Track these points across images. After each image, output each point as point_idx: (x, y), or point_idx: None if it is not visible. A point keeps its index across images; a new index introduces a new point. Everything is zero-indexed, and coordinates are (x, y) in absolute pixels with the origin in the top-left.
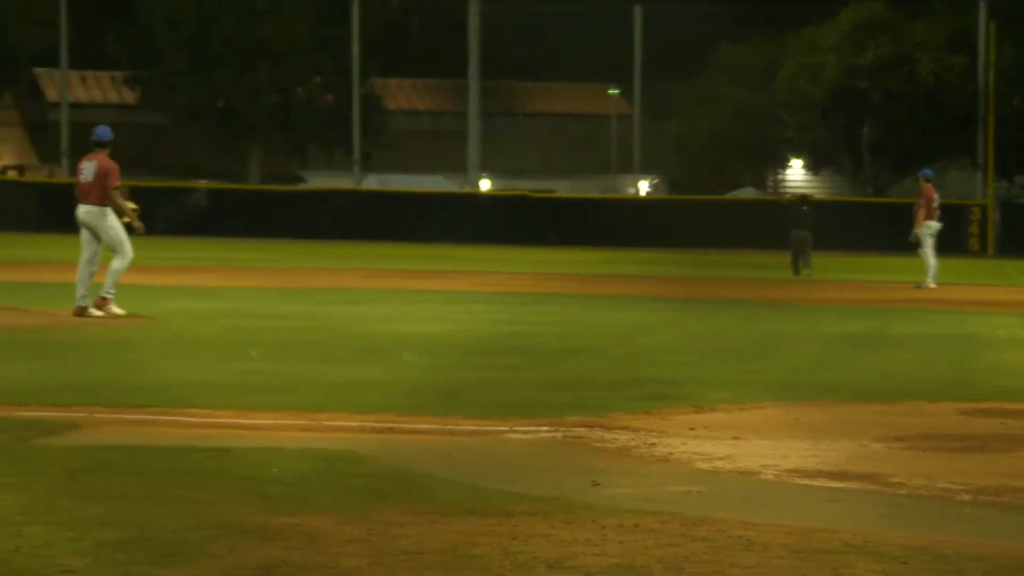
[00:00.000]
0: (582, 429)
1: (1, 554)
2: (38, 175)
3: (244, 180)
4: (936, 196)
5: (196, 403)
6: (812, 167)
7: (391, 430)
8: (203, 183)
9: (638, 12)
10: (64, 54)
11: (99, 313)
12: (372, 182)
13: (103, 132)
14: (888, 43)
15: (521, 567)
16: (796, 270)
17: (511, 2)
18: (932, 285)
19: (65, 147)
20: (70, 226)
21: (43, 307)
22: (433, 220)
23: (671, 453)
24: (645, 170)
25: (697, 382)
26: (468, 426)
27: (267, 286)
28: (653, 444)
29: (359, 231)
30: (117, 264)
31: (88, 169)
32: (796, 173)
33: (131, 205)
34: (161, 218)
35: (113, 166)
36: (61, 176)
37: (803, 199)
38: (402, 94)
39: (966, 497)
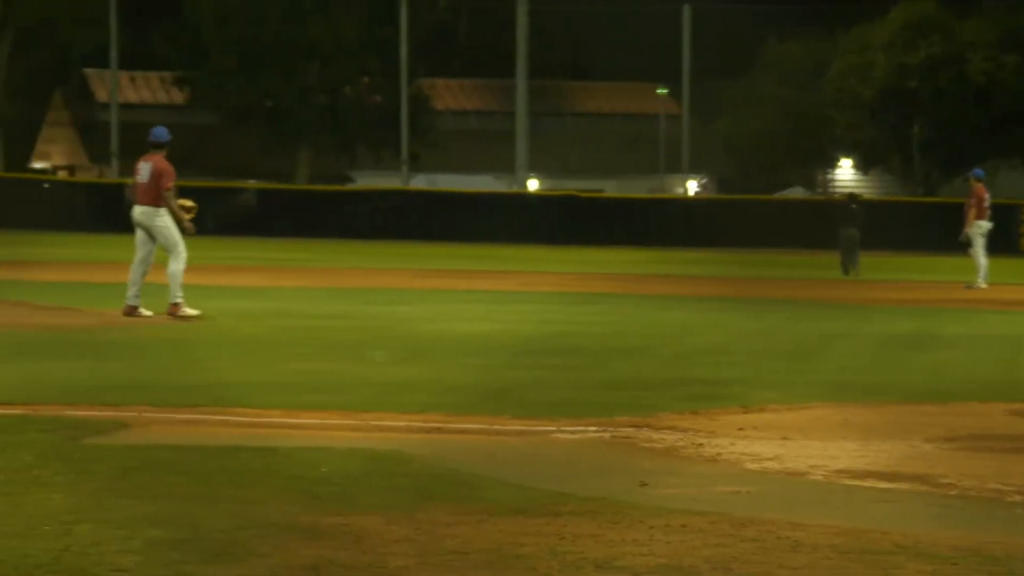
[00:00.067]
0: (630, 429)
1: (51, 553)
2: (88, 175)
3: (292, 180)
4: (987, 196)
5: (244, 403)
6: (862, 167)
7: (438, 430)
8: (252, 183)
9: (687, 11)
10: (114, 55)
11: (148, 313)
12: (420, 182)
13: (160, 133)
14: (939, 42)
15: (568, 567)
16: (845, 270)
17: (559, 2)
18: (983, 285)
19: (115, 147)
20: (120, 226)
21: (93, 307)
22: (481, 220)
23: (719, 453)
24: (694, 170)
25: (745, 382)
26: (515, 426)
27: (315, 286)
28: (701, 444)
29: (407, 231)
30: (174, 267)
31: (144, 170)
32: (846, 173)
33: (188, 203)
34: (210, 218)
35: (168, 167)
36: (111, 176)
37: (851, 198)
38: (450, 94)
39: (1017, 498)
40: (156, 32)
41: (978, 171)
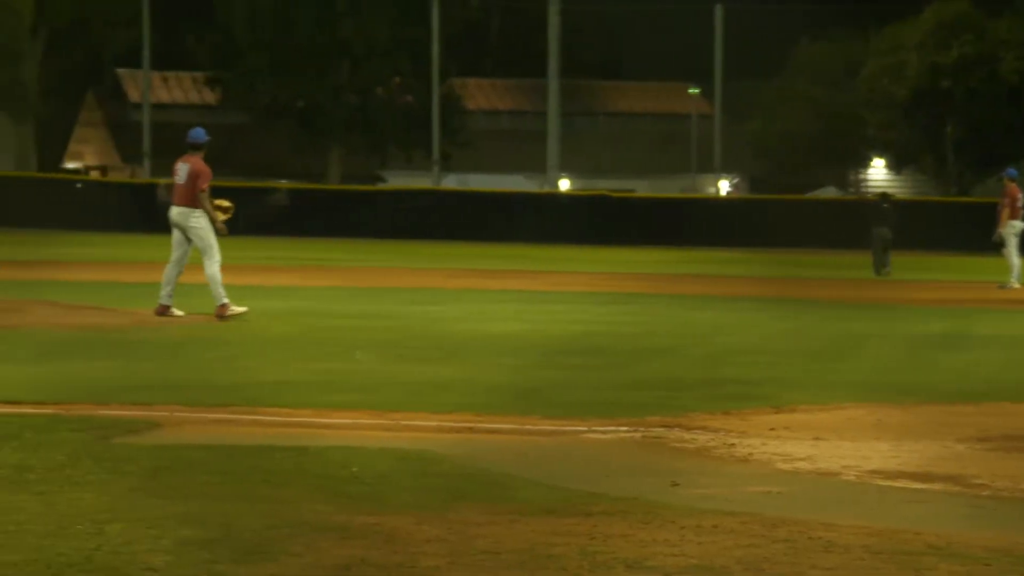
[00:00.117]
0: (661, 429)
1: (83, 552)
2: (120, 175)
3: (324, 180)
4: (1020, 195)
5: (276, 402)
6: (895, 166)
7: (470, 430)
8: (283, 183)
9: (719, 11)
10: (146, 55)
11: (180, 313)
12: (451, 182)
13: (198, 134)
14: (972, 41)
15: (599, 567)
16: (877, 270)
17: (592, 1)
18: (1016, 285)
19: (147, 147)
20: (151, 226)
21: (125, 307)
22: (512, 220)
23: (751, 454)
24: (725, 169)
25: (777, 382)
26: (546, 426)
27: (346, 286)
28: (733, 444)
29: (438, 231)
30: (210, 269)
31: (182, 170)
32: (878, 172)
33: (226, 203)
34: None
35: (204, 169)
36: (143, 176)
37: (883, 197)
38: (481, 94)
39: None
40: (188, 32)
41: (1011, 171)
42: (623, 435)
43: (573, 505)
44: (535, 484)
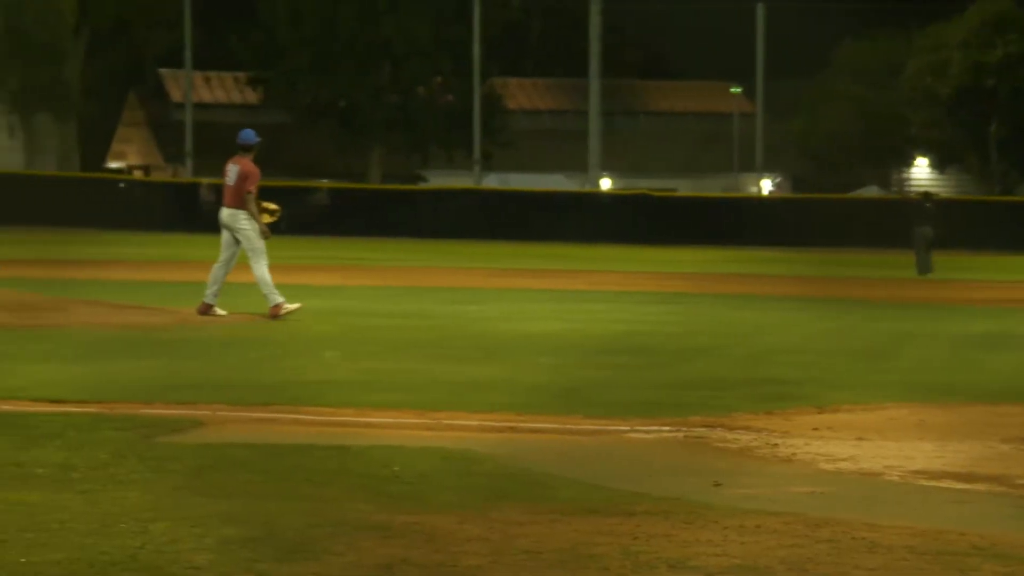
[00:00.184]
0: (703, 429)
1: (127, 550)
2: (163, 175)
3: (365, 179)
4: None
5: (318, 401)
6: (938, 165)
7: (511, 429)
8: (324, 183)
9: (761, 10)
10: (188, 55)
11: (223, 312)
12: (492, 181)
13: (247, 136)
14: (1016, 40)
15: (642, 567)
16: (920, 269)
17: (633, 0)
18: None
19: (189, 147)
20: (193, 225)
21: (168, 305)
22: (553, 219)
23: (794, 454)
24: (768, 169)
25: (820, 382)
26: (588, 425)
27: (387, 285)
28: (775, 444)
29: (479, 230)
30: (258, 271)
31: (231, 172)
32: (922, 171)
33: (272, 206)
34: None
35: (252, 170)
36: (185, 176)
37: (926, 196)
38: (523, 93)
39: None
40: (230, 32)
41: None
42: (665, 435)
43: (615, 505)
44: (577, 484)
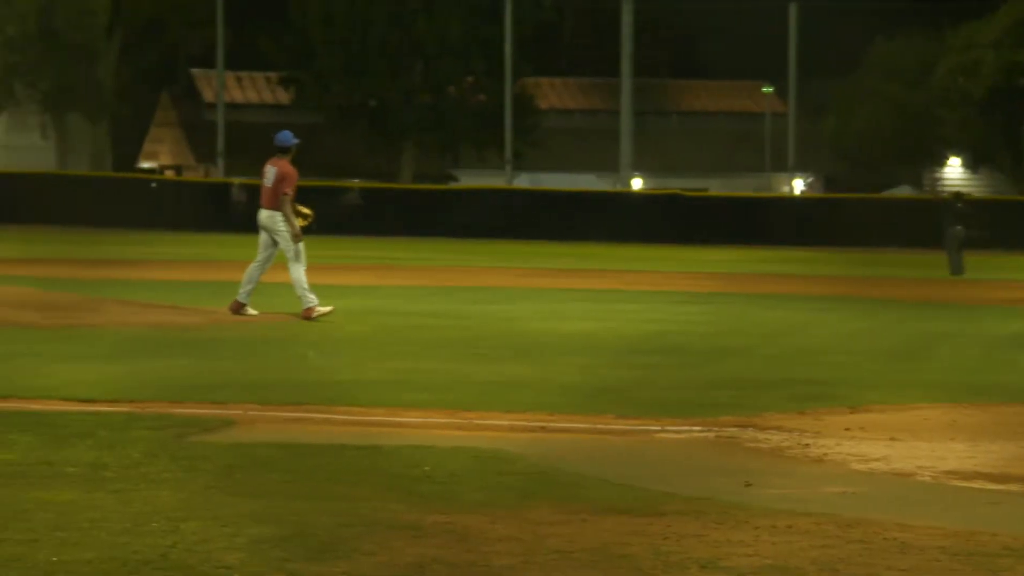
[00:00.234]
0: (735, 429)
1: (158, 549)
2: (195, 175)
3: (396, 179)
4: None
5: (349, 401)
6: (971, 165)
7: (542, 429)
8: (356, 182)
9: (793, 9)
10: (221, 55)
11: (254, 312)
12: (524, 181)
13: (285, 137)
14: None
15: (673, 567)
16: (954, 270)
17: (665, 0)
18: None
19: (221, 147)
20: (225, 225)
21: (200, 305)
22: (585, 219)
23: (825, 454)
24: (800, 168)
25: (851, 382)
26: (620, 425)
27: (419, 285)
28: (807, 445)
29: (511, 230)
30: (295, 273)
31: (269, 173)
32: (954, 171)
33: (306, 210)
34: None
35: (289, 172)
36: (217, 176)
37: (958, 196)
38: (554, 93)
39: None
40: (262, 33)
41: None
42: (696, 435)
43: (646, 505)
44: (608, 483)
